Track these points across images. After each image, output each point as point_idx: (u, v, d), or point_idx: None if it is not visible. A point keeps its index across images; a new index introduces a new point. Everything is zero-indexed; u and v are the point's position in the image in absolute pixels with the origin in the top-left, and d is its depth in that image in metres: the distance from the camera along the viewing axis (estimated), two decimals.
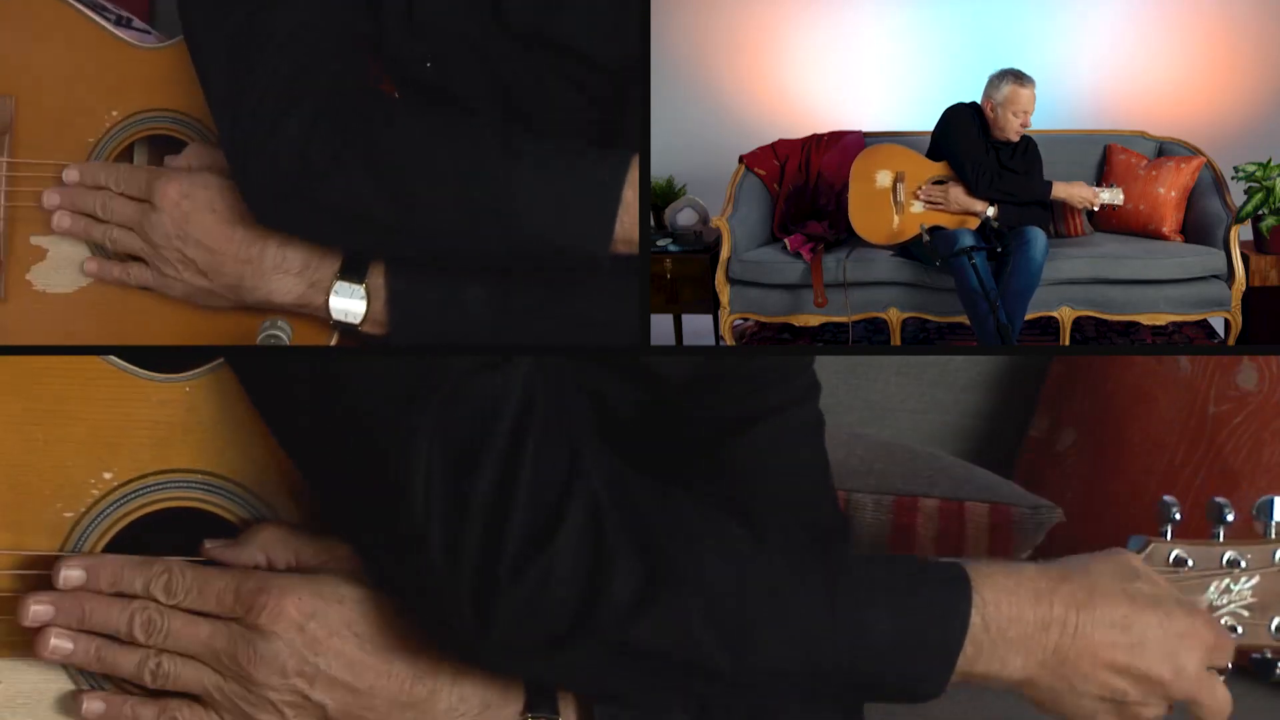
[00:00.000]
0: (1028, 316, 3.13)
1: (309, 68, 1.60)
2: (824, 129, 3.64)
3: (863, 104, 3.89)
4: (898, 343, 3.27)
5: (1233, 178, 3.31)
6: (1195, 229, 3.39)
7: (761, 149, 3.59)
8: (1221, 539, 1.42)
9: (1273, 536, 1.42)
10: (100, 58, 1.73)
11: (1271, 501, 1.42)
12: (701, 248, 3.53)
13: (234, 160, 1.62)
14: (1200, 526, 1.43)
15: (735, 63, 4.02)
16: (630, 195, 1.56)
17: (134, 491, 1.32)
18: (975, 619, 1.24)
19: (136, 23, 1.79)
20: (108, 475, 1.31)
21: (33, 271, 1.77)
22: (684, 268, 3.49)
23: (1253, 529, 1.43)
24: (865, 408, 2.59)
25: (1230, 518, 1.41)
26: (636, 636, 1.20)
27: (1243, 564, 1.40)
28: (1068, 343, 3.23)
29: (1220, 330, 3.32)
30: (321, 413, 1.27)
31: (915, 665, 1.25)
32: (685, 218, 3.57)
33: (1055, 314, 3.24)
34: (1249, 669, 1.42)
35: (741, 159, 3.57)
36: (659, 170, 3.59)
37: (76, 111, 1.74)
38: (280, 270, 1.66)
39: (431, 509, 1.19)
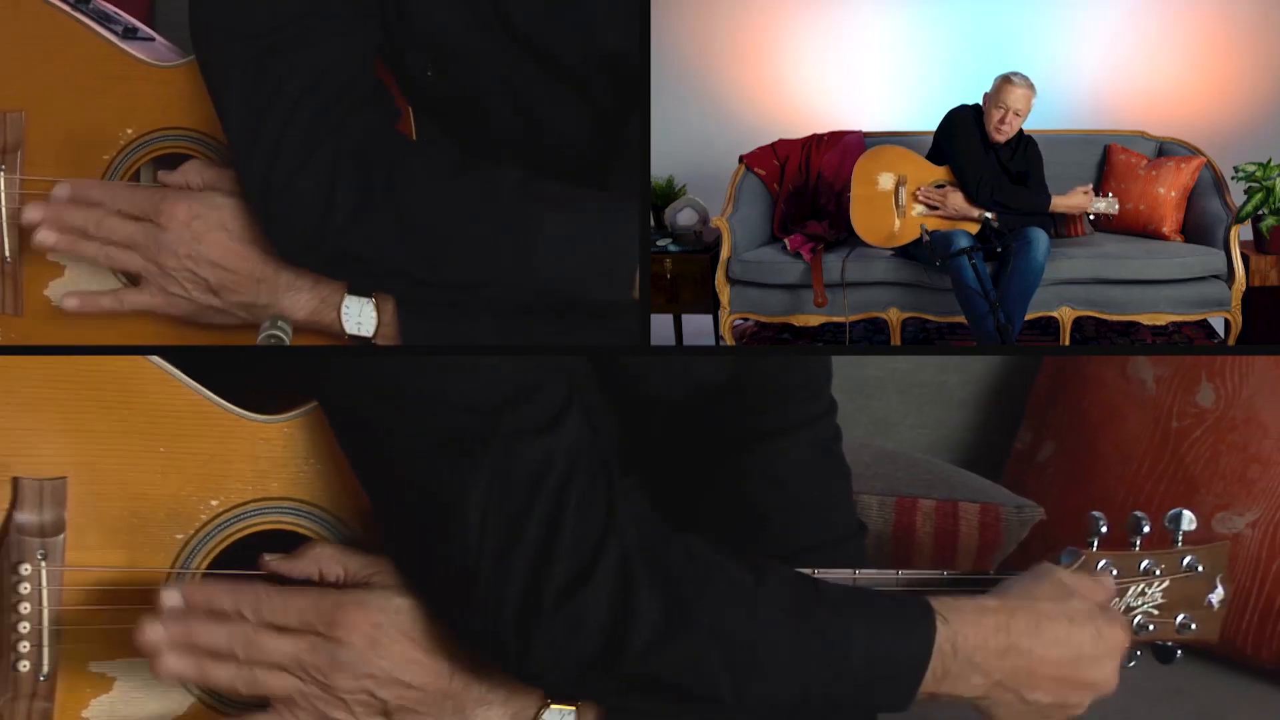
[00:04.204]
0: (1028, 316, 3.14)
1: (330, 112, 1.60)
2: (824, 129, 3.64)
3: (863, 104, 3.90)
4: (898, 342, 3.27)
5: (1233, 178, 3.31)
6: (1195, 229, 3.40)
7: (761, 149, 3.59)
8: (1139, 548, 1.60)
9: (1180, 545, 1.62)
10: (112, 75, 1.73)
11: (1180, 513, 1.61)
12: (701, 248, 3.53)
13: (255, 204, 1.63)
14: (1166, 536, 1.63)
15: (735, 63, 4.02)
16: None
17: (235, 516, 1.50)
18: (945, 645, 1.43)
19: (143, 31, 1.78)
20: (214, 502, 1.49)
21: (50, 287, 1.78)
22: (684, 268, 3.49)
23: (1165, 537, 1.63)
24: (870, 422, 2.79)
25: (1146, 529, 1.59)
26: (654, 668, 1.37)
27: (1157, 571, 1.60)
28: (1068, 343, 3.23)
29: (1220, 330, 3.33)
30: (395, 459, 1.41)
31: (887, 683, 1.43)
32: (685, 218, 3.57)
33: (1055, 314, 3.24)
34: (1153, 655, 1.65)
35: (741, 159, 3.57)
36: (659, 170, 3.59)
37: (90, 129, 1.74)
38: (293, 288, 1.67)
39: (484, 551, 1.36)
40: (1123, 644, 1.52)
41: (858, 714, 1.48)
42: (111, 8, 1.80)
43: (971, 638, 1.44)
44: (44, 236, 1.68)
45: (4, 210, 1.75)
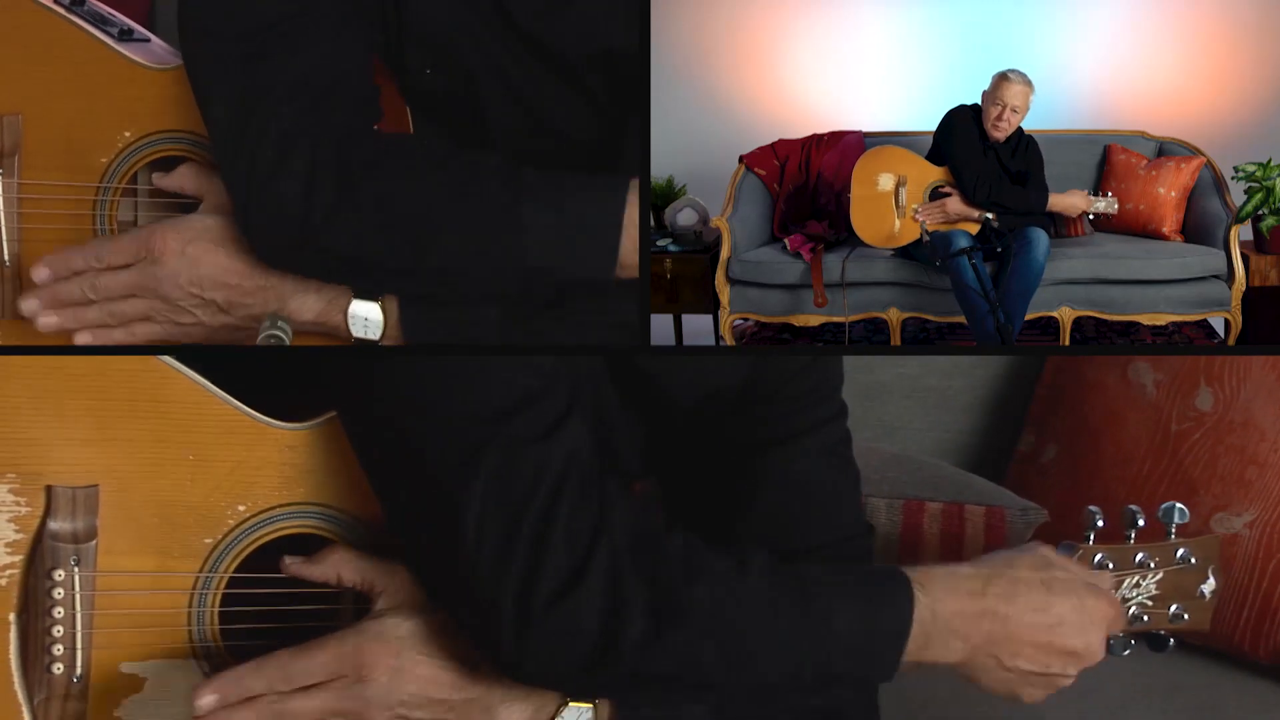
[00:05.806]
0: (1028, 316, 3.14)
1: (311, 115, 1.60)
2: (824, 129, 3.65)
3: (863, 104, 3.90)
4: (898, 342, 3.28)
5: (1233, 178, 3.32)
6: (1195, 229, 3.40)
7: (761, 149, 3.59)
8: (1133, 541, 1.64)
9: (1173, 537, 1.66)
10: (110, 78, 1.72)
11: (1173, 506, 1.66)
12: (701, 248, 3.54)
13: (237, 206, 1.63)
14: (1160, 529, 1.67)
15: (735, 63, 4.03)
16: (630, 221, 1.60)
17: (262, 521, 1.53)
18: (925, 612, 1.46)
19: (139, 32, 1.77)
20: (241, 507, 1.52)
21: None
22: (684, 268, 3.50)
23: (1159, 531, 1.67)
24: (879, 426, 2.81)
25: (1141, 523, 1.63)
26: (646, 664, 1.41)
27: (1151, 564, 1.64)
28: (1068, 342, 3.24)
29: (1220, 330, 3.33)
30: (403, 463, 1.45)
31: (873, 654, 1.46)
32: (685, 218, 3.58)
33: (1055, 314, 3.25)
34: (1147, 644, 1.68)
35: (741, 159, 3.57)
36: (659, 170, 3.59)
37: (87, 132, 1.73)
38: (299, 292, 1.66)
39: (481, 554, 1.39)
40: (1108, 615, 1.55)
41: (848, 688, 1.52)
42: (107, 9, 1.79)
43: (949, 603, 1.47)
44: (46, 321, 1.70)
45: (1, 215, 1.75)
